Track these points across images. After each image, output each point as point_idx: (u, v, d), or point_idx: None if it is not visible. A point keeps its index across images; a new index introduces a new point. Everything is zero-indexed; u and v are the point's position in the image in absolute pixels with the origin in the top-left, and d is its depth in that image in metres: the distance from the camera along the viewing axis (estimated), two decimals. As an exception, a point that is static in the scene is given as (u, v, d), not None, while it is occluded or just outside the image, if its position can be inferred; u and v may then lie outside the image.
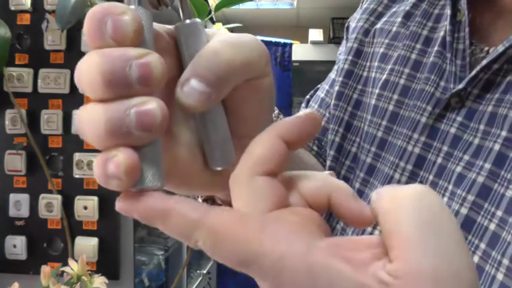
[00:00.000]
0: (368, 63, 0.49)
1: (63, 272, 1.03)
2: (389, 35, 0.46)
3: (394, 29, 0.46)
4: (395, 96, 0.43)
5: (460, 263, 0.18)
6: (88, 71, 0.21)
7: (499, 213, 0.34)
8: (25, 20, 1.35)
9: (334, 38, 3.34)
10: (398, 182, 0.40)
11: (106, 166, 0.22)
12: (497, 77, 0.38)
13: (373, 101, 0.45)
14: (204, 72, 0.23)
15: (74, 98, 1.32)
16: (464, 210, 0.36)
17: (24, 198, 1.32)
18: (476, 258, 0.35)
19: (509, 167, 0.35)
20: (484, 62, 0.38)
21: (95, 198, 1.29)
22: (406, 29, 0.45)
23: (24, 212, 1.32)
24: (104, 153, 0.22)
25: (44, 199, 1.31)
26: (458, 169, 0.37)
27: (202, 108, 0.23)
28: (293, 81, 3.19)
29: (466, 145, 0.37)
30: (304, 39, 3.38)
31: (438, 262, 0.17)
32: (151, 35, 0.24)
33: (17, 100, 1.31)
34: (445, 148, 0.38)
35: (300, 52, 3.26)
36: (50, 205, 1.30)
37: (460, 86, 0.39)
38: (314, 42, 3.34)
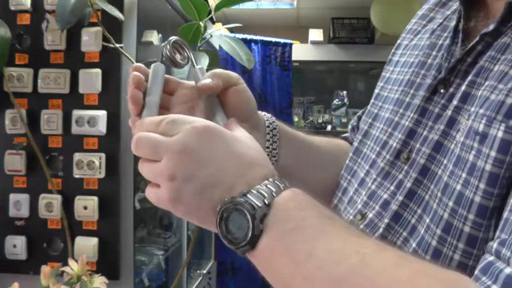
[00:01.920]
0: (396, 68, 0.62)
1: (63, 272, 1.03)
2: (420, 47, 0.59)
3: (423, 42, 0.59)
4: (411, 91, 0.55)
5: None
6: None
7: (445, 161, 0.45)
8: (25, 20, 1.35)
9: (334, 38, 3.34)
10: (394, 148, 0.53)
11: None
12: (473, 69, 0.47)
13: (397, 95, 0.58)
14: (211, 76, 0.53)
15: (74, 98, 1.32)
16: (422, 161, 0.48)
17: (24, 198, 1.32)
18: (432, 203, 0.45)
19: (455, 127, 0.46)
20: (459, 56, 0.49)
21: (95, 198, 1.29)
22: (429, 41, 0.58)
23: (24, 212, 1.32)
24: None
25: (44, 199, 1.31)
26: (435, 137, 0.48)
27: (210, 91, 0.52)
28: (293, 81, 3.19)
29: (442, 119, 0.48)
30: (304, 39, 3.37)
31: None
32: (162, 79, 0.51)
33: (17, 100, 1.31)
34: (428, 123, 0.50)
35: (300, 52, 3.25)
36: (50, 205, 1.30)
37: (444, 74, 0.50)
38: (314, 42, 3.34)
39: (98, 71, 1.30)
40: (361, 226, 0.50)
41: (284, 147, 0.58)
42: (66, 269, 1.02)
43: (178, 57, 0.53)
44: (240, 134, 0.45)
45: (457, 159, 0.43)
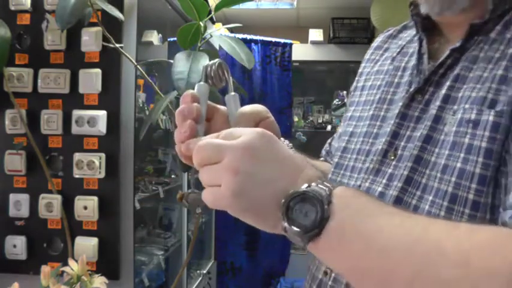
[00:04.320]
0: (363, 91, 0.75)
1: (63, 272, 1.03)
2: (383, 72, 0.72)
3: (385, 67, 0.73)
4: (385, 106, 0.68)
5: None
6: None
7: (437, 150, 0.56)
8: (25, 20, 1.35)
9: (334, 38, 3.33)
10: (381, 149, 0.63)
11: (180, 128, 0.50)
12: (444, 79, 0.60)
13: (371, 112, 0.69)
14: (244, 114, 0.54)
15: (74, 98, 1.32)
16: (414, 152, 0.58)
17: (24, 198, 1.32)
18: (432, 183, 0.55)
19: (441, 122, 0.57)
20: (433, 68, 0.61)
21: (95, 198, 1.29)
22: (392, 65, 0.71)
23: (24, 212, 1.32)
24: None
25: (44, 199, 1.31)
26: (417, 133, 0.60)
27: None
28: (293, 81, 3.19)
29: (421, 121, 0.60)
30: (304, 39, 3.37)
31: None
32: (206, 99, 0.54)
33: (17, 100, 1.31)
34: (410, 124, 0.61)
35: (300, 52, 3.25)
36: (50, 205, 1.30)
37: (420, 85, 0.62)
38: (314, 42, 3.33)
39: (98, 71, 1.30)
40: None
41: None
42: (66, 269, 1.02)
43: (217, 77, 0.56)
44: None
45: (452, 144, 0.54)
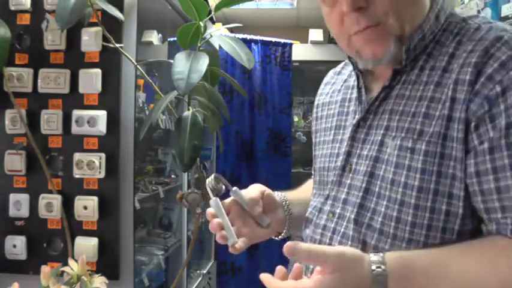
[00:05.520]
0: (322, 120, 0.94)
1: (63, 272, 1.03)
2: (334, 102, 0.91)
3: (334, 99, 0.91)
4: (340, 131, 0.85)
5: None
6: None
7: (383, 166, 0.74)
8: (25, 20, 1.35)
9: (334, 38, 3.33)
10: (340, 165, 0.81)
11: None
12: (381, 109, 0.77)
13: (331, 137, 0.87)
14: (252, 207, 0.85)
15: (73, 98, 1.32)
16: (369, 169, 0.75)
17: (24, 198, 1.32)
18: (384, 192, 0.73)
19: (384, 145, 0.74)
20: (370, 101, 0.78)
21: (95, 198, 1.29)
22: (340, 97, 0.90)
23: (24, 212, 1.32)
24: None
25: (44, 199, 1.31)
26: (365, 152, 0.77)
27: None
28: (293, 81, 3.19)
29: (366, 142, 0.78)
30: (304, 39, 3.37)
31: None
32: (222, 208, 0.77)
33: (17, 100, 1.31)
34: (359, 145, 0.79)
35: (300, 52, 3.25)
36: (50, 205, 1.30)
37: (362, 114, 0.80)
38: (314, 42, 3.33)
39: (98, 71, 1.30)
40: (335, 219, 0.79)
41: (293, 207, 0.91)
42: (66, 269, 1.02)
43: (219, 186, 0.78)
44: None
45: (395, 164, 0.72)
